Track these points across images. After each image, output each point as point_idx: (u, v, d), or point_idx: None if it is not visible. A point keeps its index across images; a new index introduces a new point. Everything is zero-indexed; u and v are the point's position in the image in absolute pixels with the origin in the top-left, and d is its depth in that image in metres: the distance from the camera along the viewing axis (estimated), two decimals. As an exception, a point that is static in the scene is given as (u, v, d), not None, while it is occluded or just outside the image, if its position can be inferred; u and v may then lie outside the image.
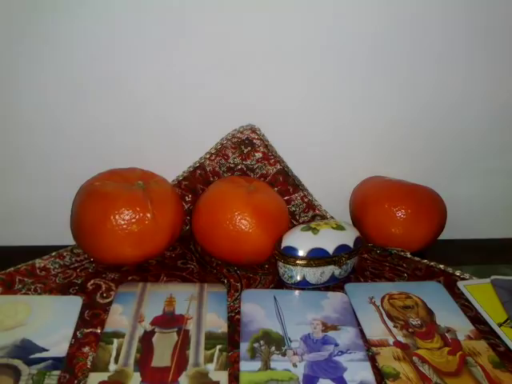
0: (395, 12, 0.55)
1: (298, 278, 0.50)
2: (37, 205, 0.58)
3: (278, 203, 0.55)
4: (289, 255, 0.49)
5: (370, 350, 0.42)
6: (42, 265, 0.51)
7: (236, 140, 0.59)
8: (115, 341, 0.41)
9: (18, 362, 0.38)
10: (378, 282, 0.53)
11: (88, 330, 0.43)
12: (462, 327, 0.45)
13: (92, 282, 0.50)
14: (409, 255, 0.58)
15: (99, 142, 0.57)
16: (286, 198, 0.60)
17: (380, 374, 0.40)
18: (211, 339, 0.42)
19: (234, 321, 0.45)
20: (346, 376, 0.39)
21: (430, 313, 0.47)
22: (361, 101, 0.60)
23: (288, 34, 0.55)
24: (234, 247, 0.51)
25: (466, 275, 0.54)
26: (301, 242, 0.49)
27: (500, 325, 0.46)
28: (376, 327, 0.45)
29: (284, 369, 0.39)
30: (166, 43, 0.53)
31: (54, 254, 0.53)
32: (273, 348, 0.41)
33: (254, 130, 0.59)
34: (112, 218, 0.48)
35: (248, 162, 0.60)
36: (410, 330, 0.45)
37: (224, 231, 0.51)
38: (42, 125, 0.55)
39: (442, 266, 0.56)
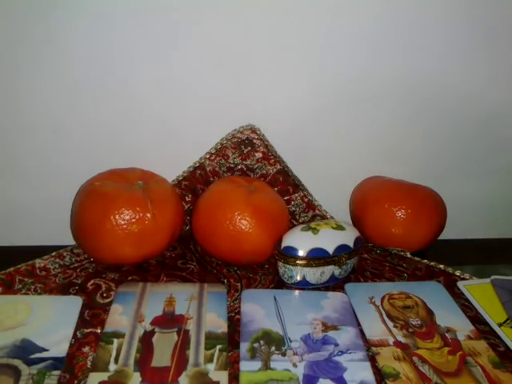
0: (394, 12, 0.55)
1: (298, 278, 0.50)
2: (37, 205, 0.58)
3: (278, 203, 0.55)
4: (289, 255, 0.49)
5: (370, 350, 0.42)
6: (42, 265, 0.51)
7: (236, 140, 0.59)
8: (115, 341, 0.41)
9: (18, 362, 0.38)
10: (377, 282, 0.53)
11: (88, 330, 0.43)
12: (462, 327, 0.45)
13: (92, 282, 0.50)
14: (409, 255, 0.58)
15: (99, 142, 0.57)
16: (285, 198, 0.60)
17: (380, 374, 0.40)
18: (211, 339, 0.42)
19: (234, 321, 0.45)
20: (346, 376, 0.39)
21: (430, 313, 0.47)
22: (360, 101, 0.60)
23: (288, 33, 0.55)
24: (234, 247, 0.51)
25: (466, 275, 0.54)
26: (301, 242, 0.49)
27: (500, 325, 0.46)
28: (376, 327, 0.45)
29: (284, 369, 0.39)
30: (166, 43, 0.53)
31: (54, 254, 0.53)
32: (273, 348, 0.41)
33: (254, 130, 0.59)
34: (112, 217, 0.48)
35: (248, 161, 0.60)
36: (410, 329, 0.45)
37: (224, 231, 0.51)
38: (41, 125, 0.55)
39: (442, 266, 0.56)
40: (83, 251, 0.54)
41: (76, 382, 0.37)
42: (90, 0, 0.50)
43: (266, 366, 0.39)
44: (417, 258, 0.57)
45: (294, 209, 0.62)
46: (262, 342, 0.42)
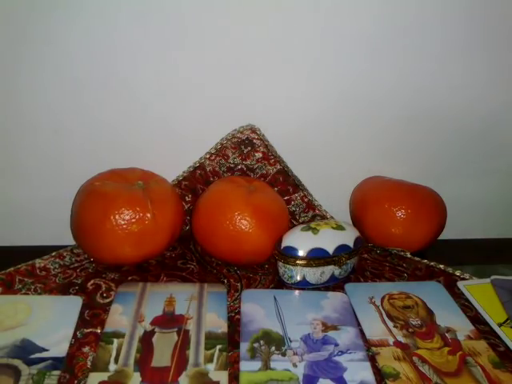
0: (394, 12, 0.55)
1: (298, 278, 0.50)
2: (37, 205, 0.58)
3: (278, 203, 0.55)
4: (289, 255, 0.49)
5: (370, 350, 0.42)
6: (42, 265, 0.51)
7: (236, 140, 0.59)
8: (115, 341, 0.41)
9: (18, 362, 0.38)
10: (377, 282, 0.53)
11: (88, 330, 0.43)
12: (462, 327, 0.45)
13: (92, 282, 0.50)
14: (409, 255, 0.58)
15: (99, 142, 0.57)
16: (285, 198, 0.60)
17: (380, 374, 0.40)
18: (211, 339, 0.42)
19: (234, 321, 0.45)
20: (346, 376, 0.39)
21: (430, 313, 0.47)
22: (360, 101, 0.60)
23: (288, 33, 0.55)
24: (234, 247, 0.51)
25: (466, 275, 0.54)
26: (301, 242, 0.49)
27: (500, 325, 0.46)
28: (376, 327, 0.45)
29: (284, 369, 0.39)
30: (166, 43, 0.53)
31: (54, 254, 0.53)
32: (273, 348, 0.41)
33: (254, 130, 0.59)
34: (112, 217, 0.48)
35: (248, 161, 0.60)
36: (410, 330, 0.45)
37: (224, 231, 0.51)
38: (42, 125, 0.55)
39: (442, 266, 0.56)
40: (83, 251, 0.54)
41: (76, 382, 0.38)
42: (91, 0, 0.50)
43: (266, 366, 0.39)
44: (417, 258, 0.57)
45: (294, 209, 0.62)
46: (262, 341, 0.42)
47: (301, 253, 0.49)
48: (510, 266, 0.58)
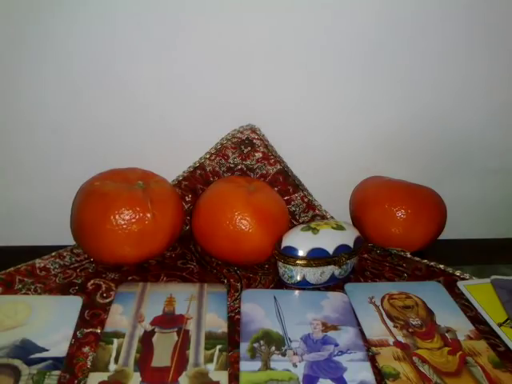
0: (395, 12, 0.55)
1: (298, 278, 0.50)
2: (37, 205, 0.58)
3: (278, 203, 0.55)
4: (289, 255, 0.49)
5: (370, 350, 0.42)
6: (42, 265, 0.51)
7: (236, 140, 0.59)
8: (115, 341, 0.41)
9: (18, 362, 0.38)
10: (378, 282, 0.53)
11: (88, 330, 0.43)
12: (462, 327, 0.45)
13: (92, 282, 0.50)
14: (409, 255, 0.58)
15: (99, 142, 0.57)
16: (285, 198, 0.60)
17: (380, 374, 0.40)
18: (211, 339, 0.42)
19: (234, 321, 0.45)
20: (346, 376, 0.39)
21: (430, 313, 0.47)
22: (361, 101, 0.60)
23: (288, 34, 0.55)
24: (234, 247, 0.51)
25: (466, 275, 0.54)
26: (301, 241, 0.49)
27: (500, 325, 0.46)
28: (376, 327, 0.45)
29: (284, 369, 0.39)
30: (166, 43, 0.53)
31: (54, 254, 0.53)
32: (273, 348, 0.41)
33: (254, 130, 0.59)
34: (112, 217, 0.48)
35: (248, 161, 0.60)
36: (410, 330, 0.45)
37: (224, 231, 0.51)
38: (42, 125, 0.55)
39: (441, 266, 0.56)
40: (83, 251, 0.54)
41: (76, 381, 0.38)
42: (91, 0, 0.50)
43: (266, 366, 0.39)
44: (417, 258, 0.57)
45: (294, 209, 0.62)
46: (262, 342, 0.42)
47: (301, 253, 0.49)
48: (510, 265, 0.58)
